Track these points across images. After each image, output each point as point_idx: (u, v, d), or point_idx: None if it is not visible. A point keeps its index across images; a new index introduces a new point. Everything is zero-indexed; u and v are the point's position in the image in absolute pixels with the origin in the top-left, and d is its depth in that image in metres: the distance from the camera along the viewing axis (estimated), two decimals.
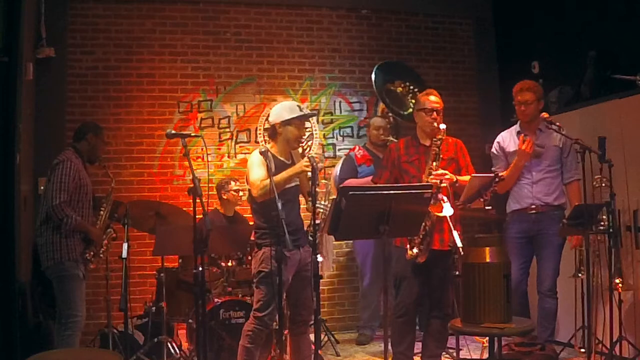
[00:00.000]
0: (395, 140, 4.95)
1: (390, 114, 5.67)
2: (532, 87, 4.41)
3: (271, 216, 3.52)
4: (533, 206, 4.40)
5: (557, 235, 4.34)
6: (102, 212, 4.31)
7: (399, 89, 5.67)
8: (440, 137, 3.78)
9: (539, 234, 4.40)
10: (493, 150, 4.64)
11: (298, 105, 3.86)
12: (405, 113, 5.61)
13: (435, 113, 3.89)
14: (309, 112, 4.03)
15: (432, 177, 3.71)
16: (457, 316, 4.07)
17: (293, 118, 3.75)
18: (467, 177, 3.89)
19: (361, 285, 5.69)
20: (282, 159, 3.79)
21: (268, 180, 3.54)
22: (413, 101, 5.68)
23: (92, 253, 4.14)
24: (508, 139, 4.51)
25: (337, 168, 5.61)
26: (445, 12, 6.70)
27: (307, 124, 6.23)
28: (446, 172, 3.74)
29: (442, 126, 3.79)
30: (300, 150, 4.20)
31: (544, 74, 5.68)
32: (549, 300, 4.40)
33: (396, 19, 6.59)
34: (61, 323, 4.01)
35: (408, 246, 3.76)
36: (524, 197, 4.43)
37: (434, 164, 3.77)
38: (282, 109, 3.81)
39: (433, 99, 3.92)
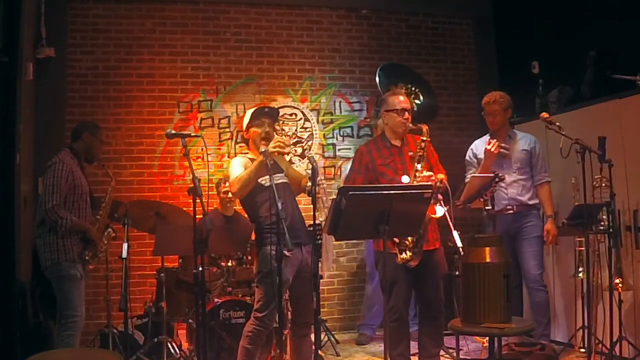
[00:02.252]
0: None
1: None
2: (498, 100, 4.69)
3: (260, 217, 3.67)
4: (509, 207, 4.62)
5: (534, 228, 4.58)
6: (101, 212, 4.31)
7: (402, 91, 5.68)
8: (424, 138, 3.77)
9: (517, 230, 4.60)
10: (467, 157, 4.85)
11: (259, 107, 3.99)
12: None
13: (406, 113, 3.89)
14: (267, 108, 4.06)
15: (419, 178, 3.68)
16: (457, 316, 4.08)
17: (250, 119, 3.86)
18: (439, 176, 3.84)
19: (368, 285, 5.69)
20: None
21: (243, 173, 3.66)
22: (415, 102, 5.70)
23: (90, 254, 4.13)
24: (481, 147, 4.68)
25: (348, 168, 5.60)
26: (445, 12, 6.70)
27: (308, 124, 6.28)
28: (432, 173, 3.72)
29: (425, 127, 3.79)
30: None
31: (544, 74, 5.69)
32: (537, 293, 4.53)
33: (396, 19, 6.59)
34: (61, 323, 4.00)
35: (397, 250, 3.69)
36: (500, 199, 4.60)
37: (419, 165, 3.74)
38: (245, 117, 3.94)
39: (402, 99, 3.93)
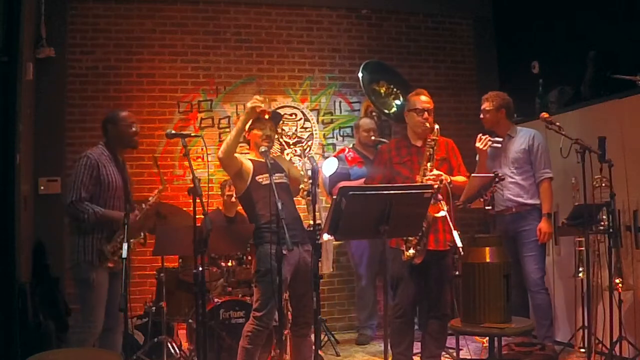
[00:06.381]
0: (387, 141, 4.98)
1: (374, 114, 5.69)
2: (490, 97, 4.66)
3: (257, 215, 3.74)
4: (507, 208, 4.57)
5: (532, 231, 4.48)
6: (141, 212, 3.92)
7: (383, 90, 5.68)
8: (434, 137, 3.78)
9: (516, 233, 4.55)
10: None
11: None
12: (390, 113, 5.63)
13: (426, 113, 3.90)
14: (271, 111, 4.07)
15: (427, 178, 3.70)
16: (457, 316, 4.09)
17: (253, 120, 3.87)
18: (459, 178, 3.91)
19: (357, 286, 5.70)
20: (260, 160, 3.84)
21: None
22: (395, 102, 5.70)
23: (113, 249, 3.72)
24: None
25: (326, 171, 5.39)
26: (445, 12, 6.70)
27: (308, 124, 6.28)
28: (441, 172, 3.73)
29: (436, 126, 3.80)
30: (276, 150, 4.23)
31: (544, 74, 5.69)
32: (537, 295, 4.50)
33: (396, 19, 6.59)
34: (78, 325, 3.79)
35: (404, 247, 3.73)
36: (500, 201, 4.58)
37: (428, 164, 3.76)
38: None
39: (424, 99, 3.94)
